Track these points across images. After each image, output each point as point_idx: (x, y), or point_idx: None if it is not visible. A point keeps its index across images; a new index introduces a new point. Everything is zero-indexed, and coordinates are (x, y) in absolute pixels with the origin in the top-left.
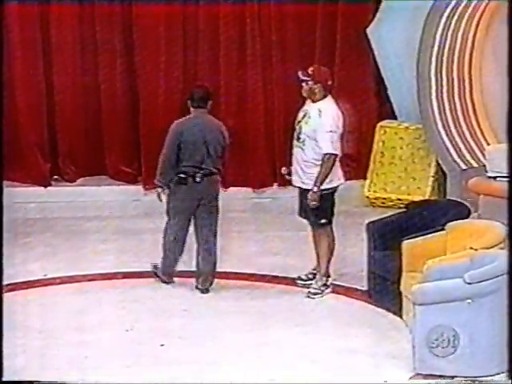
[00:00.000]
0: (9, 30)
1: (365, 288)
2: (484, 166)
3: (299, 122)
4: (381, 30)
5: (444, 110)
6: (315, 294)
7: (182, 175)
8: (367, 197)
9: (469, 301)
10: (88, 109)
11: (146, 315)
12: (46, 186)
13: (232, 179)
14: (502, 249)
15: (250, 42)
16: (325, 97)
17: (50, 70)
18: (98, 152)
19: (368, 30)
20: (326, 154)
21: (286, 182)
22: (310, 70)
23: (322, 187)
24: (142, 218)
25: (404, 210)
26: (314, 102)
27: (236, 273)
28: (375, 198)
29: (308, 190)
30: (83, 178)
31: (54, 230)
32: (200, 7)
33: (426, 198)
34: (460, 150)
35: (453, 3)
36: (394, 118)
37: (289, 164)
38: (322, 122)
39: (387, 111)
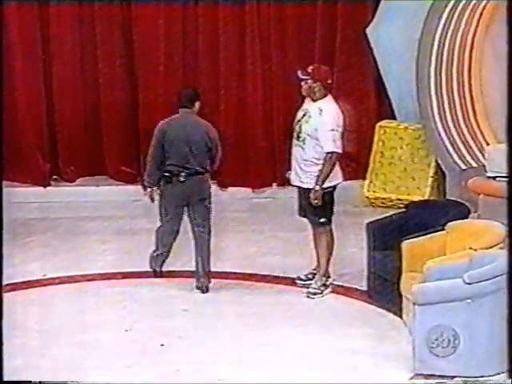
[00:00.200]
0: (8, 30)
1: (365, 288)
2: (483, 166)
3: (299, 121)
4: (380, 30)
5: (444, 110)
6: (314, 293)
7: (167, 174)
8: (367, 197)
9: (468, 301)
10: (88, 109)
11: (146, 315)
12: (45, 186)
13: (231, 179)
14: (501, 249)
15: (249, 42)
16: (325, 96)
17: (50, 70)
18: (97, 152)
19: (367, 30)
20: (329, 152)
21: (285, 182)
22: (309, 69)
23: (324, 186)
24: (142, 218)
25: (404, 210)
26: (314, 100)
27: (236, 273)
28: (375, 198)
29: (307, 189)
30: (83, 177)
31: (54, 230)
32: (199, 8)
33: (426, 198)
34: (459, 150)
35: (452, 3)
36: (394, 118)
37: (288, 163)
38: (323, 121)
39: (387, 111)
